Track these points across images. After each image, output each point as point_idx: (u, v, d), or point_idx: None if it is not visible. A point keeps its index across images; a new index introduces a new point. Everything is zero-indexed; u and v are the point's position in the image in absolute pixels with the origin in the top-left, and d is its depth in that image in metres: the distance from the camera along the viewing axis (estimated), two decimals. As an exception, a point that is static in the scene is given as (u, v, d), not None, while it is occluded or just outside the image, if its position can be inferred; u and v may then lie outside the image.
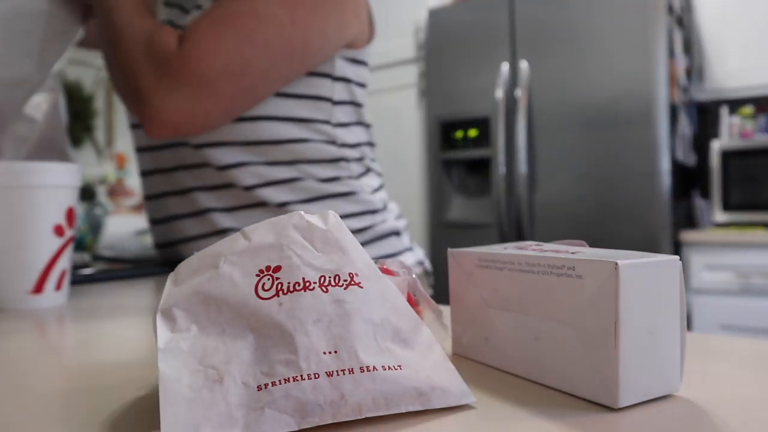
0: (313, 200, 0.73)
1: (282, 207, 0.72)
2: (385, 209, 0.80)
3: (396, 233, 0.80)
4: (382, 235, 0.77)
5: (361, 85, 0.80)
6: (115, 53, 0.65)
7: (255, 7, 0.64)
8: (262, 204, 0.72)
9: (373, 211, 0.78)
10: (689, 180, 2.26)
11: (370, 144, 0.82)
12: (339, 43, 0.73)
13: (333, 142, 0.75)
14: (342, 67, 0.75)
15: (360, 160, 0.79)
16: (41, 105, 0.60)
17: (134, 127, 0.79)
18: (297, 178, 0.73)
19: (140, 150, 0.79)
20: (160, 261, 0.84)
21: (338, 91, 0.75)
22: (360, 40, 0.77)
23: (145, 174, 0.79)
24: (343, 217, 0.74)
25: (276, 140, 0.72)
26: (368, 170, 0.81)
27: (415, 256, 0.82)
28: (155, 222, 0.79)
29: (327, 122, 0.75)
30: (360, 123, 0.80)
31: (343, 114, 0.77)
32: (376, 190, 0.81)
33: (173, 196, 0.75)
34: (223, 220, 0.73)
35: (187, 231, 0.75)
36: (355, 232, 0.75)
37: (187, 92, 0.62)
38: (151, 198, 0.78)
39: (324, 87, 0.74)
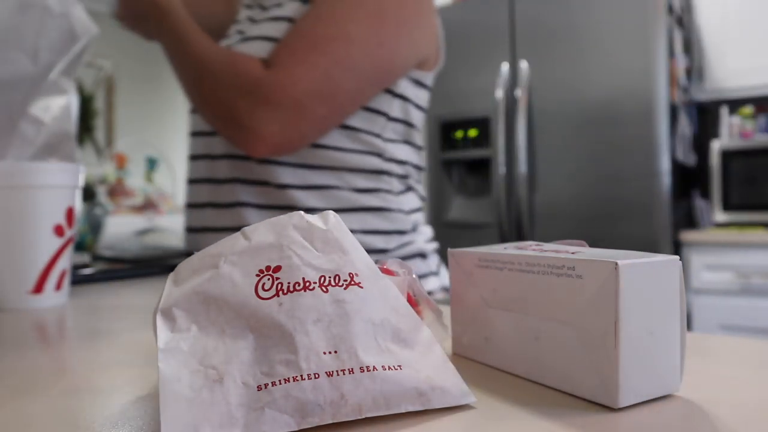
0: (344, 210, 0.73)
1: (309, 211, 0.72)
2: (415, 231, 0.80)
3: (422, 255, 0.79)
4: (406, 256, 0.77)
5: (419, 108, 0.80)
6: (198, 84, 0.67)
7: (344, 30, 0.66)
8: (290, 207, 0.72)
9: (402, 232, 0.77)
10: (689, 180, 2.26)
11: (418, 167, 0.82)
12: (413, 63, 0.74)
13: (379, 155, 0.75)
14: (404, 86, 0.76)
15: (404, 177, 0.79)
16: (51, 107, 0.60)
17: (194, 112, 0.80)
18: (335, 186, 0.73)
19: (195, 134, 0.80)
20: (165, 259, 0.84)
21: (395, 107, 0.76)
22: (429, 63, 0.78)
23: (193, 158, 0.80)
24: (370, 233, 0.74)
25: (321, 145, 0.72)
26: (410, 189, 0.81)
27: (440, 281, 0.81)
28: (191, 206, 0.80)
29: (378, 136, 0.75)
30: (409, 143, 0.80)
31: (393, 131, 0.77)
32: (414, 211, 0.80)
33: (212, 184, 0.76)
34: (252, 217, 0.73)
35: (215, 220, 0.75)
36: (379, 252, 0.74)
37: (282, 116, 0.64)
38: (192, 182, 0.79)
39: (383, 102, 0.74)
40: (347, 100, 0.68)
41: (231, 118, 0.65)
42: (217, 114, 0.67)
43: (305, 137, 0.68)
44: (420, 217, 0.82)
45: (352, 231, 0.73)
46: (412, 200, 0.80)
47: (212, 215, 0.76)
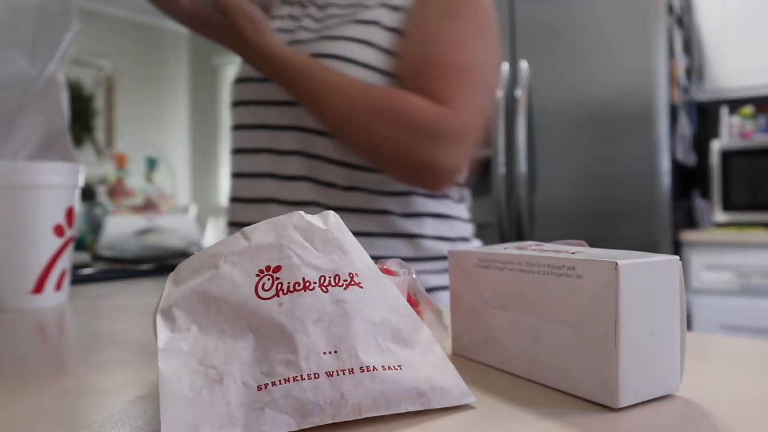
0: (417, 215, 0.73)
1: (380, 214, 0.72)
2: (469, 241, 0.81)
3: None
4: None
5: None
6: (358, 130, 0.66)
7: (474, 54, 0.68)
8: (361, 209, 0.71)
9: (465, 239, 0.78)
10: (689, 180, 2.26)
11: (467, 179, 0.84)
12: None
13: None
14: None
15: (460, 187, 0.80)
16: (44, 104, 0.60)
17: (236, 104, 0.78)
18: (409, 191, 0.73)
19: (252, 127, 0.76)
20: (165, 259, 0.84)
21: None
22: None
23: (249, 151, 0.76)
24: (440, 239, 0.74)
25: None
26: (463, 200, 0.82)
27: None
28: (245, 201, 0.77)
29: None
30: None
31: None
32: (468, 221, 0.82)
33: (279, 180, 0.73)
34: None
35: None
36: (442, 258, 0.74)
37: (460, 149, 0.67)
38: (247, 176, 0.76)
39: None
40: (488, 120, 0.72)
41: (413, 160, 0.65)
42: (393, 157, 0.66)
43: (470, 159, 0.71)
44: (472, 228, 0.83)
45: (424, 236, 0.73)
46: (465, 210, 0.82)
47: (281, 212, 0.74)
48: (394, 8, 0.72)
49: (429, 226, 0.74)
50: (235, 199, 0.79)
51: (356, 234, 0.71)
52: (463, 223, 0.79)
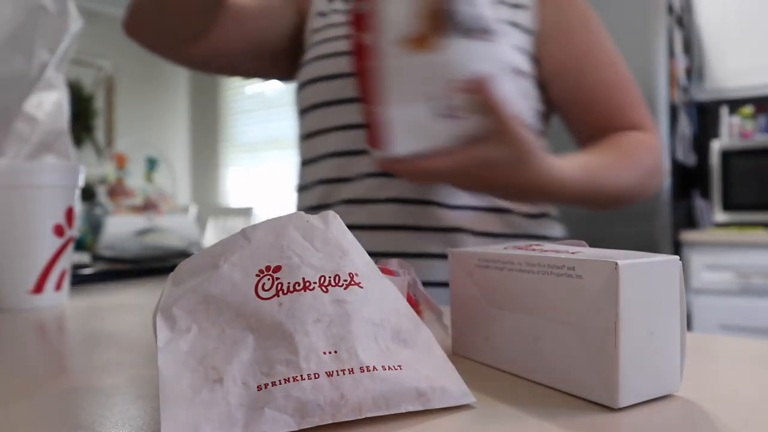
0: (513, 236, 0.72)
1: (503, 213, 0.70)
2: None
3: None
4: None
5: None
6: (641, 196, 0.69)
7: (626, 70, 0.73)
8: (484, 209, 0.70)
9: (558, 238, 0.78)
10: (689, 180, 2.26)
11: None
12: None
13: None
14: None
15: None
16: (43, 104, 0.60)
17: (348, 128, 0.71)
18: (507, 209, 0.71)
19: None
20: (165, 259, 0.83)
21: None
22: None
23: (361, 153, 0.70)
24: (549, 238, 0.75)
25: None
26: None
27: None
28: (367, 202, 0.70)
29: None
30: None
31: None
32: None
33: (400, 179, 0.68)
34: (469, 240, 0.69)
35: (407, 219, 0.68)
36: None
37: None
38: (363, 177, 0.70)
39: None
40: None
41: (651, 191, 0.71)
42: (642, 198, 0.70)
43: None
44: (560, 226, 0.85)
45: (549, 237, 0.73)
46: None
47: (398, 212, 0.68)
48: (514, 6, 0.71)
49: (554, 229, 0.75)
50: (341, 202, 0.71)
51: (483, 234, 0.69)
52: (558, 222, 0.80)
